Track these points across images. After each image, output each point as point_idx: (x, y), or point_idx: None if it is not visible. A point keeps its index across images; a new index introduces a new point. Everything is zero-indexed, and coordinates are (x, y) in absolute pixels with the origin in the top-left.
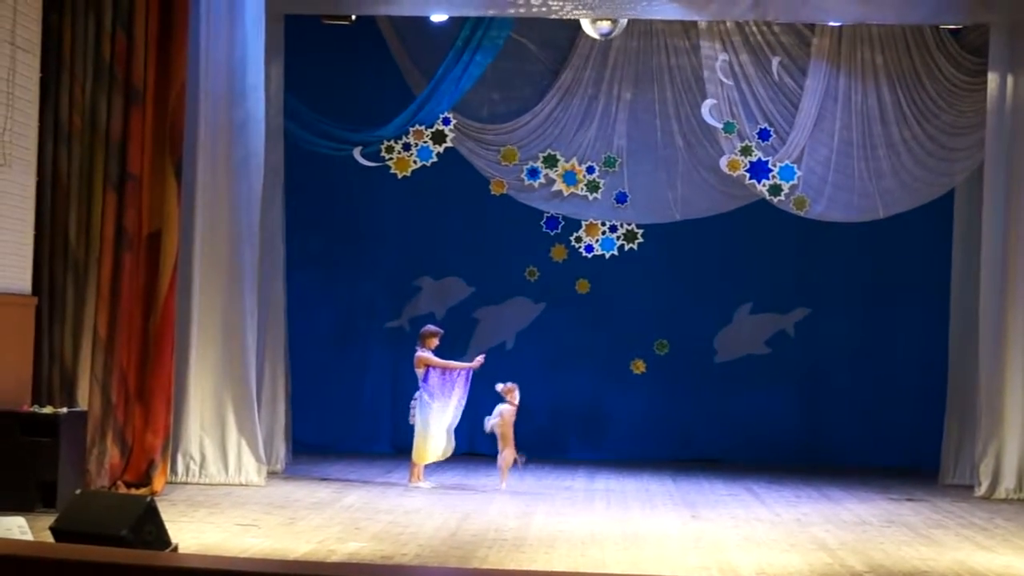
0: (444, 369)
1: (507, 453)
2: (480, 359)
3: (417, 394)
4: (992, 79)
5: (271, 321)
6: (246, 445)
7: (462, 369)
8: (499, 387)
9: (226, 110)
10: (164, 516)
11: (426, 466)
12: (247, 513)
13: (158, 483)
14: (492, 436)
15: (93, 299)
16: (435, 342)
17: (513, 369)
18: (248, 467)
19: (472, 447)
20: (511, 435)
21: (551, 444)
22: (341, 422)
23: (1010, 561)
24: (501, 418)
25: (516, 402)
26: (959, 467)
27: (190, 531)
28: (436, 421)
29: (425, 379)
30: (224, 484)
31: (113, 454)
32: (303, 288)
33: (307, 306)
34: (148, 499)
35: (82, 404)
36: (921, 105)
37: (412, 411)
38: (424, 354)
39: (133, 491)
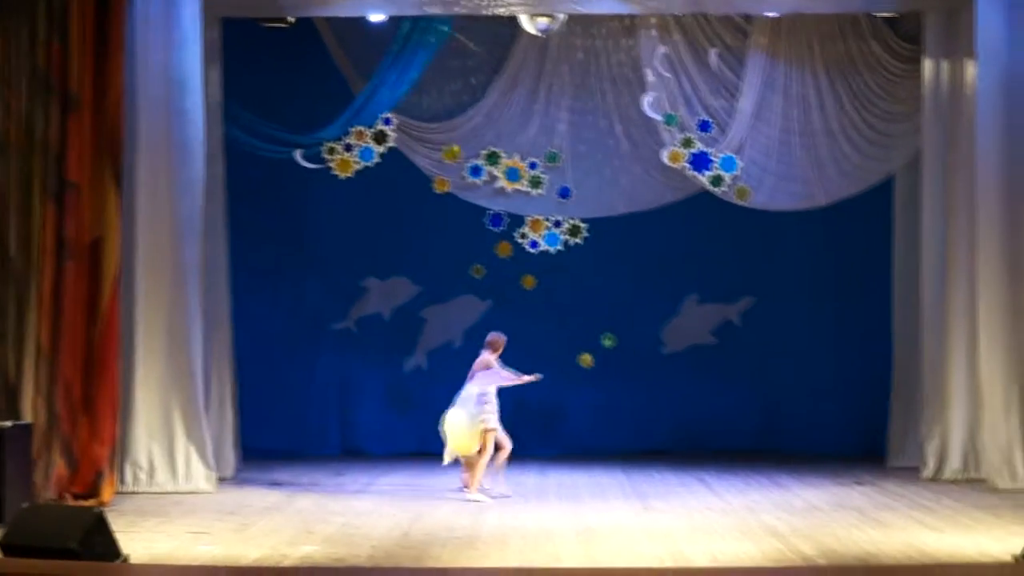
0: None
1: (466, 476)
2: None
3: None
4: (927, 66)
5: (216, 326)
6: (195, 452)
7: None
8: None
9: (165, 115)
10: (114, 527)
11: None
12: (198, 521)
13: (106, 494)
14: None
15: (35, 309)
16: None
17: (461, 368)
18: (197, 474)
19: (422, 447)
20: (471, 460)
21: None
22: (290, 426)
23: (957, 541)
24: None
25: None
26: (906, 450)
27: (141, 541)
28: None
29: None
30: (174, 492)
31: (60, 466)
32: (248, 292)
33: (253, 310)
34: (97, 510)
35: (26, 416)
36: (859, 93)
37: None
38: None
39: (81, 503)
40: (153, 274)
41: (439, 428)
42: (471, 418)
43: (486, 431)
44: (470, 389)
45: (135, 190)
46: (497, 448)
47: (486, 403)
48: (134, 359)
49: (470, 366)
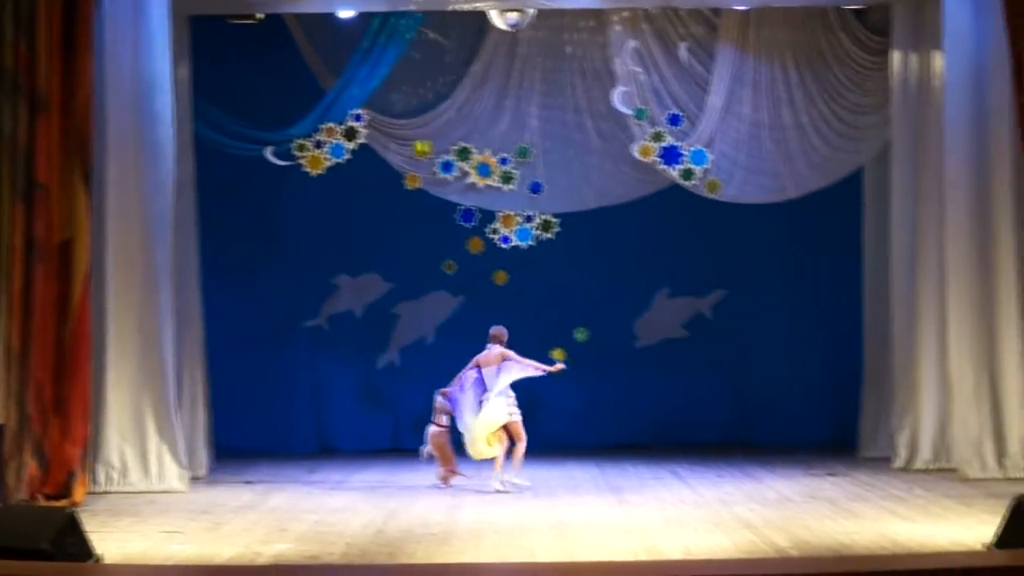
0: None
1: (441, 470)
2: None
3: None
4: (895, 58)
5: (188, 325)
6: (167, 451)
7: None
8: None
9: (134, 115)
10: (86, 527)
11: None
12: (171, 520)
13: (78, 494)
14: (417, 432)
15: (5, 311)
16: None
17: (434, 364)
18: (170, 473)
19: (396, 443)
20: (446, 453)
21: None
22: (263, 424)
23: (929, 530)
24: (430, 442)
25: (443, 423)
26: (877, 440)
27: (114, 541)
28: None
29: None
30: (146, 492)
31: (31, 467)
32: (219, 290)
33: (224, 308)
34: (69, 511)
35: None
36: (827, 85)
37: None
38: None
39: (53, 503)
40: (124, 274)
41: (468, 428)
42: (504, 415)
43: (514, 423)
44: (501, 383)
45: (105, 190)
46: (511, 441)
47: (510, 395)
48: (105, 359)
49: (443, 362)
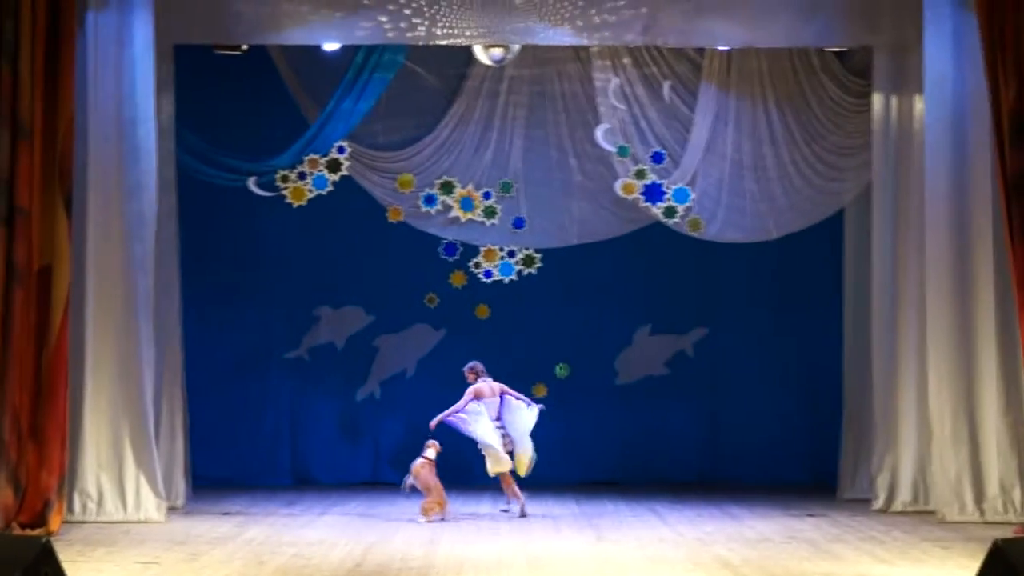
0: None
1: (425, 502)
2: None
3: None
4: (876, 100)
5: (167, 354)
6: (145, 481)
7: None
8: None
9: (116, 142)
10: (61, 557)
11: None
12: (147, 551)
13: (54, 523)
14: (396, 465)
15: None
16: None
17: (415, 397)
18: (147, 503)
19: (375, 476)
20: (430, 485)
21: (455, 470)
22: (241, 455)
23: (908, 573)
24: (411, 472)
25: (430, 456)
26: (857, 481)
27: (88, 571)
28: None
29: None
30: (123, 522)
31: (6, 495)
32: (200, 320)
33: (204, 338)
34: (43, 540)
35: None
36: (809, 127)
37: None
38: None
39: (28, 532)
40: (104, 302)
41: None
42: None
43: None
44: (515, 419)
45: (86, 217)
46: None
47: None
48: (84, 387)
49: (423, 395)
